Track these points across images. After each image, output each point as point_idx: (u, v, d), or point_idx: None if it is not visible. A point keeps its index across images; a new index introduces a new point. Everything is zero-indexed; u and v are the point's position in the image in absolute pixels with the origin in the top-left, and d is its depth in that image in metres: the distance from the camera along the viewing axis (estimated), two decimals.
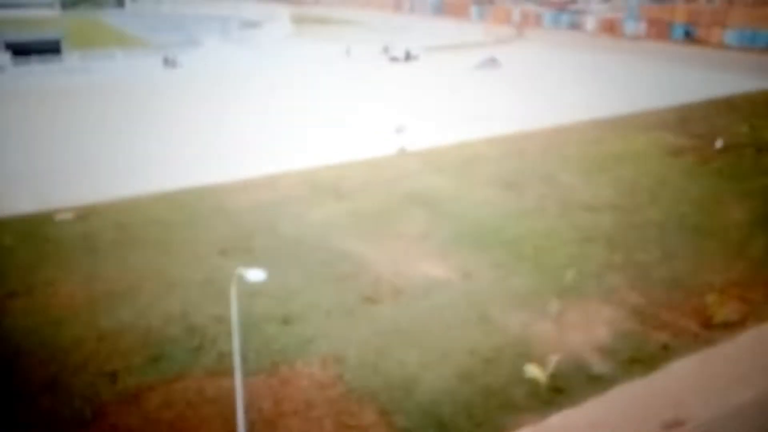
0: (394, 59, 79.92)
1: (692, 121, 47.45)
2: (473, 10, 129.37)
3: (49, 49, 77.01)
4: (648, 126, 46.65)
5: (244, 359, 21.83)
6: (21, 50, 74.91)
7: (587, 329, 23.23)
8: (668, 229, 30.41)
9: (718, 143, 41.13)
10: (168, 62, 77.58)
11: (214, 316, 24.20)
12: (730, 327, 23.30)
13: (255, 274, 16.76)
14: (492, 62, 73.61)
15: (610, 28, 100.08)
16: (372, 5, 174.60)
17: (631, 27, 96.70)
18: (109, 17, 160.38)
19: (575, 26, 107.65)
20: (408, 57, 79.82)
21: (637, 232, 30.21)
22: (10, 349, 22.64)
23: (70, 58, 77.27)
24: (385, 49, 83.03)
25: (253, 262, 27.89)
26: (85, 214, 33.61)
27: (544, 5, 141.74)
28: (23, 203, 34.79)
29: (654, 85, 62.99)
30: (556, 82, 65.53)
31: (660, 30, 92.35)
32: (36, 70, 73.36)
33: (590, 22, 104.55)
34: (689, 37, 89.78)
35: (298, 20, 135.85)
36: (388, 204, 33.96)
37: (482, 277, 26.72)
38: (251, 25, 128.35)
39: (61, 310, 24.88)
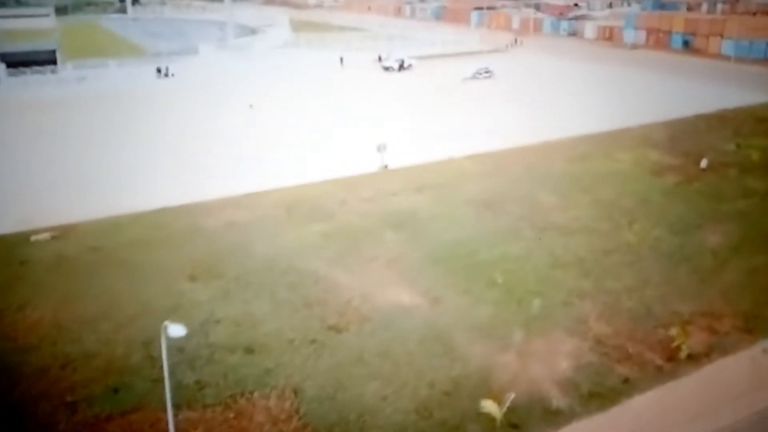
0: (387, 69, 79.85)
1: (680, 138, 47.22)
2: (473, 15, 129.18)
3: (45, 59, 77.14)
4: (635, 142, 46.45)
5: (203, 391, 21.96)
6: (16, 61, 75.07)
7: (549, 361, 23.11)
8: (642, 255, 30.23)
9: (703, 163, 40.92)
10: (161, 72, 77.68)
11: (176, 347, 24.04)
12: (695, 359, 23.15)
13: (176, 330, 17.69)
14: (485, 72, 73.49)
15: (610, 36, 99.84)
16: (373, 10, 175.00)
17: (630, 35, 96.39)
18: (111, 22, 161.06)
19: (574, 33, 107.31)
20: (401, 67, 79.75)
21: (611, 258, 30.05)
22: None
23: (65, 68, 77.39)
24: (380, 59, 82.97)
25: (222, 288, 28.17)
26: (63, 234, 33.64)
27: (545, 11, 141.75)
28: (2, 223, 34.82)
29: (646, 98, 62.80)
30: (548, 95, 65.42)
31: (659, 39, 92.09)
32: (30, 80, 73.56)
33: (589, 30, 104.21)
34: (688, 46, 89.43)
35: (298, 26, 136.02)
36: (364, 225, 33.89)
37: (450, 303, 26.61)
38: (250, 31, 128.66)
39: (28, 337, 24.91)
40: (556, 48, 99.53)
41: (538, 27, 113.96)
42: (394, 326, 25.07)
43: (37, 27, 79.30)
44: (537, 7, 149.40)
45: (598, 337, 24.27)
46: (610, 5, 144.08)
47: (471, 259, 30.08)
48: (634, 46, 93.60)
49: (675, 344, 23.35)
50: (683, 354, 23.05)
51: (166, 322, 17.55)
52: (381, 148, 41.75)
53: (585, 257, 30.06)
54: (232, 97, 65.45)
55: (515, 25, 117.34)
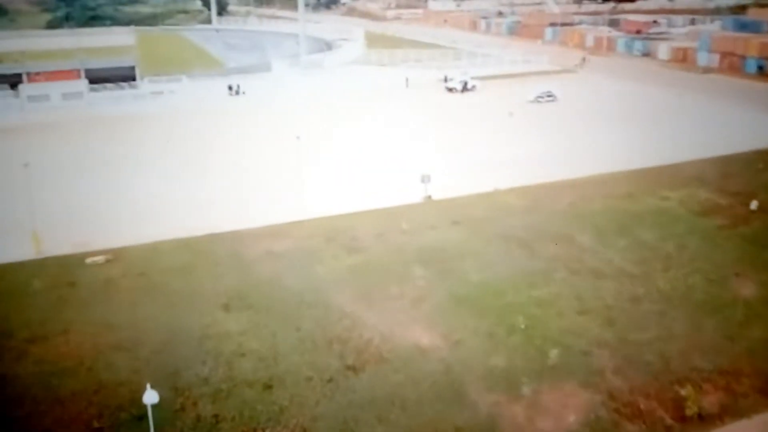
0: (450, 90, 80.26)
1: (732, 176, 45.76)
2: (547, 32, 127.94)
3: (124, 75, 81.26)
4: (686, 179, 45.33)
5: (219, 425, 23.18)
6: (98, 77, 79.34)
7: (557, 415, 23.25)
8: (672, 304, 29.78)
9: (753, 204, 39.66)
10: (232, 90, 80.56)
11: (201, 378, 25.50)
12: (706, 420, 22.84)
13: (150, 396, 20.93)
14: (547, 96, 72.96)
15: (683, 58, 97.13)
16: (449, 23, 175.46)
17: (703, 58, 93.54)
18: (195, 33, 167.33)
19: (648, 54, 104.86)
20: (465, 88, 80.00)
21: (639, 306, 29.75)
22: (17, 396, 24.72)
23: (142, 83, 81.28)
24: (446, 79, 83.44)
25: (252, 320, 29.45)
26: (116, 257, 35.77)
27: (624, 27, 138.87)
28: (62, 243, 37.23)
29: (707, 130, 60.72)
30: (606, 123, 64.28)
31: (732, 63, 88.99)
32: (109, 96, 77.57)
33: (663, 51, 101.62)
34: (762, 71, 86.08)
35: (372, 40, 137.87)
36: (396, 259, 34.58)
37: (469, 347, 27.00)
38: (325, 45, 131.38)
39: (68, 360, 26.80)
40: (625, 69, 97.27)
41: (611, 46, 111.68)
42: (409, 369, 25.69)
43: (119, 44, 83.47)
44: (615, 24, 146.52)
45: (612, 391, 24.20)
46: (692, 21, 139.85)
47: (497, 300, 30.35)
48: (707, 70, 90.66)
49: (687, 404, 23.09)
50: (694, 414, 22.78)
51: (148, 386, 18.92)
52: (425, 179, 42.39)
53: (612, 304, 29.86)
54: (290, 122, 67.09)
55: (589, 43, 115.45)
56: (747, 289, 30.76)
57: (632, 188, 44.17)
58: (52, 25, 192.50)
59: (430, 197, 42.86)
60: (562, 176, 46.94)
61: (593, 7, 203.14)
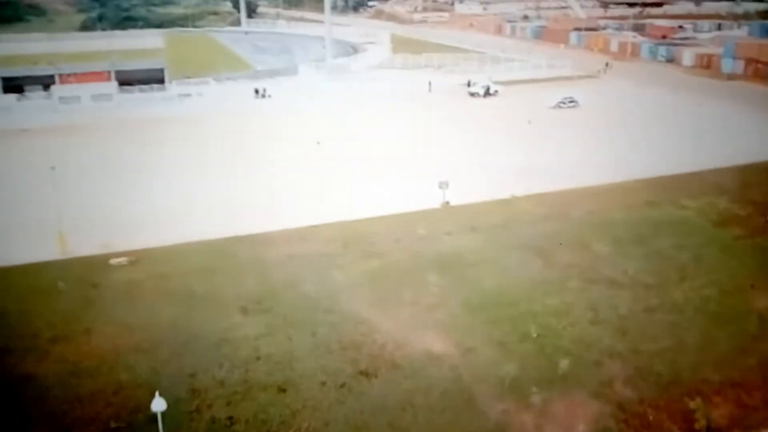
0: (473, 95, 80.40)
1: (753, 186, 45.49)
2: (572, 37, 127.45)
3: (154, 77, 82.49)
4: (706, 188, 45.14)
5: (233, 427, 23.75)
6: (128, 79, 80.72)
7: (566, 424, 23.49)
8: (685, 315, 29.82)
9: None
10: (258, 93, 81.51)
11: (217, 380, 26.11)
12: None
13: (158, 404, 21.76)
14: (569, 102, 72.84)
15: (707, 64, 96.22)
16: (475, 27, 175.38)
17: (728, 65, 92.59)
18: (224, 35, 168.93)
19: (672, 60, 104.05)
20: (487, 93, 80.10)
21: (652, 316, 29.82)
22: (39, 395, 25.51)
23: (170, 86, 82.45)
24: (469, 84, 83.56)
25: (269, 324, 30.00)
26: (140, 258, 36.60)
27: (649, 32, 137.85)
28: (87, 244, 38.15)
29: (728, 138, 60.31)
30: (626, 130, 64.02)
31: (757, 70, 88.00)
32: (138, 98, 78.86)
33: (687, 57, 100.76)
34: None
35: (398, 44, 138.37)
36: (413, 265, 34.98)
37: (481, 355, 27.32)
38: (351, 49, 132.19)
39: (89, 360, 27.57)
40: (648, 75, 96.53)
41: (636, 51, 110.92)
42: (421, 375, 26.09)
43: (149, 47, 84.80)
44: (640, 28, 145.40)
45: (621, 402, 24.38)
46: (719, 27, 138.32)
47: (511, 309, 30.60)
48: (731, 77, 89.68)
49: (696, 416, 23.19)
50: (703, 427, 22.88)
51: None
52: (443, 185, 42.73)
53: (626, 314, 29.97)
54: (313, 125, 67.81)
55: (613, 48, 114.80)
56: (762, 301, 30.70)
57: (651, 196, 44.12)
58: (86, 26, 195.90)
59: (448, 203, 43.18)
60: (581, 183, 47.03)
61: (619, 11, 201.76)
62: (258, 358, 27.51)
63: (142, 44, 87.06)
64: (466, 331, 28.96)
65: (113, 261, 36.19)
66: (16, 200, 46.57)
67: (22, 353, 27.98)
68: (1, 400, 25.03)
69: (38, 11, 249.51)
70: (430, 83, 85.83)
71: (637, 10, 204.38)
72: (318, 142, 45.40)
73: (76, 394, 25.48)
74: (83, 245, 38.16)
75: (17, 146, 61.42)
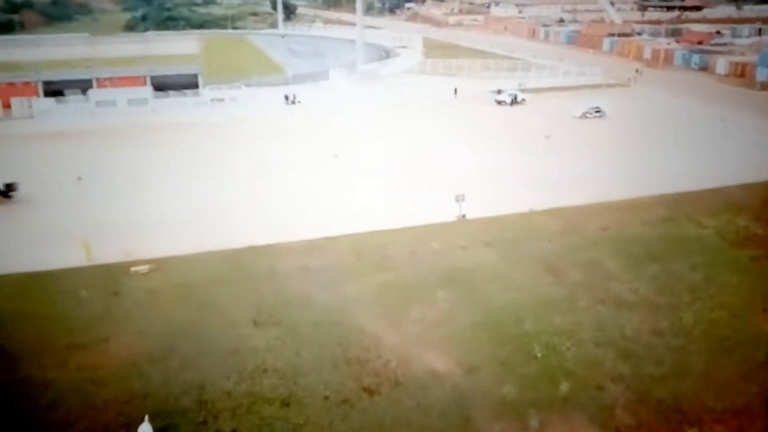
0: (500, 103, 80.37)
1: None
2: (605, 42, 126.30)
3: (188, 82, 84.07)
4: (725, 206, 44.66)
5: None
6: (163, 84, 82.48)
7: None
8: (693, 338, 29.74)
9: None
10: (288, 99, 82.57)
11: (225, 392, 26.91)
12: None
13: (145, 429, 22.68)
14: (595, 112, 72.38)
15: (742, 72, 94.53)
16: (509, 31, 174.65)
17: (763, 74, 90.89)
18: (261, 38, 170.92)
19: (705, 67, 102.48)
20: (514, 101, 80.00)
21: (659, 339, 29.80)
22: (54, 401, 26.56)
23: (204, 91, 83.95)
24: (499, 92, 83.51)
25: (279, 337, 30.71)
26: (160, 267, 37.64)
27: (686, 37, 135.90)
28: (110, 251, 39.34)
29: (755, 152, 59.23)
30: (654, 142, 63.44)
31: None
32: (172, 102, 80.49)
33: (721, 65, 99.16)
34: None
35: (430, 48, 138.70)
36: (424, 280, 35.37)
37: (483, 375, 27.65)
38: (384, 53, 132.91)
39: (105, 369, 28.59)
40: (679, 84, 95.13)
41: (669, 58, 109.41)
42: (422, 393, 26.52)
43: (184, 52, 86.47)
44: (677, 33, 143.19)
45: (619, 428, 24.51)
46: (759, 32, 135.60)
47: (517, 328, 30.86)
48: (764, 87, 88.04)
49: None
50: None
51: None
52: (459, 199, 43.06)
53: (632, 336, 30.01)
54: (337, 133, 68.41)
55: (647, 54, 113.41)
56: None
57: (671, 213, 43.86)
58: (130, 25, 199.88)
59: (464, 216, 43.49)
60: (601, 198, 46.91)
61: (657, 15, 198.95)
62: (265, 371, 28.23)
63: (177, 49, 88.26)
64: (471, 350, 29.31)
65: (134, 269, 37.29)
66: (47, 205, 48.14)
67: (42, 359, 29.09)
68: (17, 405, 26.17)
69: (85, 10, 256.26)
70: (455, 89, 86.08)
71: (675, 14, 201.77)
72: (336, 155, 45.94)
73: (90, 402, 26.47)
74: (108, 252, 39.35)
75: (50, 150, 63.25)
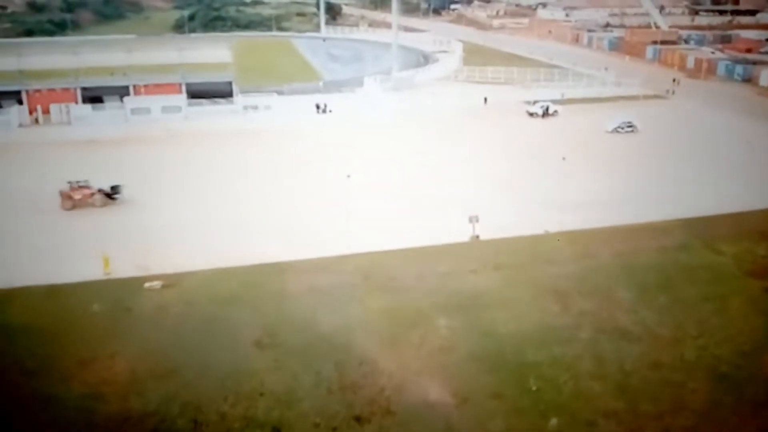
0: (531, 115, 79.66)
1: None
2: (648, 50, 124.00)
3: (222, 90, 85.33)
4: (747, 232, 43.58)
5: None
6: (197, 92, 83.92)
7: None
8: (693, 374, 29.23)
9: None
10: (319, 109, 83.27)
11: (220, 414, 27.53)
12: None
13: None
14: (627, 127, 71.17)
15: None
16: (552, 36, 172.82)
17: None
18: (302, 41, 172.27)
19: (749, 79, 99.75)
20: (546, 113, 79.20)
21: (658, 374, 29.37)
22: (55, 417, 27.53)
23: (238, 99, 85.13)
24: (531, 102, 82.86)
25: (278, 359, 31.19)
26: (173, 283, 38.50)
27: (735, 44, 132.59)
28: (126, 266, 40.39)
29: None
30: (684, 161, 61.99)
31: None
32: (205, 110, 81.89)
33: (765, 77, 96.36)
34: None
35: (471, 52, 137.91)
36: (429, 304, 35.41)
37: (475, 406, 27.67)
38: (423, 59, 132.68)
39: (108, 385, 29.43)
40: (719, 97, 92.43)
41: (712, 69, 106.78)
42: (412, 424, 26.70)
43: (219, 59, 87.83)
44: (726, 40, 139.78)
45: None
46: None
47: (516, 358, 30.75)
48: None
49: None
50: None
51: None
52: (473, 220, 42.99)
53: (631, 370, 29.63)
54: (355, 148, 68.16)
55: (690, 64, 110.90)
56: None
57: (689, 238, 42.98)
58: (178, 24, 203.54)
59: (477, 237, 43.41)
60: (621, 220, 46.21)
61: (708, 20, 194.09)
62: (261, 394, 28.74)
63: (212, 56, 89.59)
64: (467, 380, 29.35)
65: (147, 285, 38.26)
66: (71, 215, 49.61)
67: (49, 374, 30.13)
68: (16, 421, 27.19)
69: (137, 8, 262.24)
70: (485, 99, 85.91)
71: (726, 18, 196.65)
72: (348, 176, 46.22)
73: (90, 420, 27.39)
74: (126, 266, 40.38)
75: (81, 158, 64.91)
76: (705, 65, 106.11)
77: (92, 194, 51.17)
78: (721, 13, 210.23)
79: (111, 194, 51.77)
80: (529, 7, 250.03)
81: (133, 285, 38.38)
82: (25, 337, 32.82)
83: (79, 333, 33.49)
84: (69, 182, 51.34)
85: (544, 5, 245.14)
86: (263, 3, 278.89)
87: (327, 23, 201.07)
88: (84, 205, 50.85)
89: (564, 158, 49.48)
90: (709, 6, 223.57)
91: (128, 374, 30.22)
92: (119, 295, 37.30)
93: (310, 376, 29.73)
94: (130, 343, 32.62)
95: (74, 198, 50.85)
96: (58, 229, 47.31)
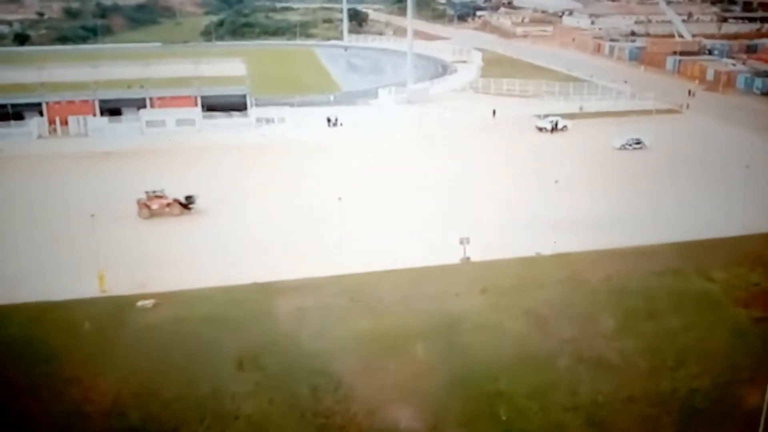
0: (541, 130, 79.40)
1: None
2: (668, 61, 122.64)
3: (236, 103, 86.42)
4: (742, 257, 43.07)
5: None
6: (212, 105, 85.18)
7: None
8: (667, 407, 29.24)
9: None
10: (330, 122, 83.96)
11: None
12: None
13: None
14: (635, 144, 70.68)
15: None
16: (574, 45, 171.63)
17: None
18: (325, 50, 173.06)
19: None
20: (555, 128, 78.91)
21: (631, 406, 29.44)
22: None
23: (251, 112, 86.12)
24: (542, 116, 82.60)
25: (258, 382, 31.78)
26: (164, 301, 39.37)
27: (761, 54, 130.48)
28: (121, 284, 41.29)
29: None
30: (687, 181, 61.41)
31: None
32: (218, 123, 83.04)
33: None
34: None
35: (490, 62, 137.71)
36: (411, 328, 35.70)
37: None
38: (441, 69, 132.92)
39: (93, 404, 30.44)
40: (735, 111, 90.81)
41: (731, 81, 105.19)
42: None
43: (232, 74, 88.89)
44: (752, 50, 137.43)
45: None
46: None
47: (491, 386, 30.94)
48: None
49: None
50: None
51: None
52: (463, 241, 43.22)
53: (604, 402, 29.70)
54: (358, 164, 68.45)
55: (709, 76, 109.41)
56: (753, 398, 29.36)
57: (682, 263, 42.65)
58: (207, 32, 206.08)
59: (468, 259, 43.63)
60: (616, 243, 46.05)
61: (737, 28, 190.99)
62: (236, 418, 29.43)
63: (227, 69, 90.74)
64: (439, 406, 29.68)
65: (140, 303, 39.17)
66: (70, 233, 49.60)
67: (37, 393, 31.06)
68: None
69: (169, 13, 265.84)
70: (494, 111, 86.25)
71: (755, 26, 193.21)
72: (339, 198, 46.72)
73: None
74: (122, 283, 41.35)
75: (91, 169, 66.46)
76: (724, 78, 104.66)
77: (168, 204, 53.32)
78: (751, 20, 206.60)
79: (186, 204, 53.73)
80: (555, 14, 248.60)
81: (125, 303, 39.21)
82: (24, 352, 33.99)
83: (69, 350, 34.30)
84: (146, 192, 53.57)
85: (570, 12, 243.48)
86: (292, 9, 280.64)
87: (353, 31, 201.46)
88: (161, 214, 52.90)
89: (557, 181, 49.14)
90: (739, 13, 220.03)
91: (113, 394, 31.10)
92: (112, 312, 38.23)
93: (285, 401, 30.31)
94: (118, 361, 33.49)
95: (151, 208, 53.08)
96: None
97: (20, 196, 58.96)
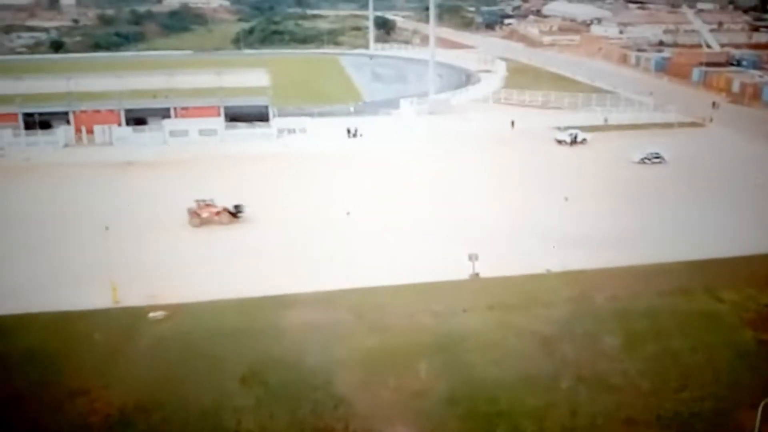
0: (560, 143, 79.04)
1: None
2: (694, 73, 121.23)
3: (258, 114, 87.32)
4: (753, 277, 42.51)
5: None
6: (234, 115, 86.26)
7: None
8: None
9: None
10: (350, 133, 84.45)
11: None
12: None
13: None
14: (654, 158, 69.98)
15: None
16: (601, 54, 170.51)
17: None
18: (350, 58, 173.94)
19: None
20: (575, 141, 78.51)
21: (630, 429, 29.28)
22: None
23: (273, 122, 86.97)
24: (562, 128, 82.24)
25: (260, 397, 32.24)
26: (174, 313, 40.12)
27: None
28: (134, 294, 42.09)
29: None
30: (705, 197, 60.62)
31: None
32: (240, 134, 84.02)
33: None
34: None
35: (514, 72, 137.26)
36: (415, 345, 35.94)
37: None
38: (465, 78, 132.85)
39: (97, 416, 31.22)
40: (758, 124, 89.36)
41: (756, 94, 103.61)
42: None
43: (255, 84, 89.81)
44: None
45: None
46: None
47: (489, 406, 31.04)
48: None
49: None
50: None
51: None
52: (472, 258, 43.28)
53: (603, 424, 29.65)
54: (373, 176, 68.65)
55: (735, 88, 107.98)
56: (751, 422, 29.13)
57: (692, 283, 42.26)
58: (237, 39, 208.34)
59: (477, 275, 43.68)
60: (628, 260, 45.82)
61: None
62: None
63: (250, 80, 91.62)
64: (436, 425, 29.89)
65: (151, 315, 39.96)
66: (83, 244, 50.50)
67: (43, 404, 31.94)
68: None
69: (201, 20, 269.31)
70: (512, 122, 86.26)
71: None
72: (348, 213, 47.05)
73: None
74: (134, 294, 42.14)
75: (110, 180, 67.64)
76: (750, 90, 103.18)
77: (218, 212, 54.80)
78: None
79: (235, 213, 55.06)
80: (584, 22, 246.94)
81: (137, 314, 40.02)
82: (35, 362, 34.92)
83: (77, 361, 35.17)
84: (196, 200, 55.05)
85: (599, 21, 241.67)
86: (322, 17, 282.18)
87: (380, 39, 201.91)
88: (211, 223, 54.35)
89: (567, 198, 48.94)
90: None
91: (117, 405, 31.85)
92: (123, 324, 39.05)
93: (285, 417, 30.72)
94: (125, 373, 34.41)
95: (202, 216, 54.59)
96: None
97: (48, 204, 60.19)
